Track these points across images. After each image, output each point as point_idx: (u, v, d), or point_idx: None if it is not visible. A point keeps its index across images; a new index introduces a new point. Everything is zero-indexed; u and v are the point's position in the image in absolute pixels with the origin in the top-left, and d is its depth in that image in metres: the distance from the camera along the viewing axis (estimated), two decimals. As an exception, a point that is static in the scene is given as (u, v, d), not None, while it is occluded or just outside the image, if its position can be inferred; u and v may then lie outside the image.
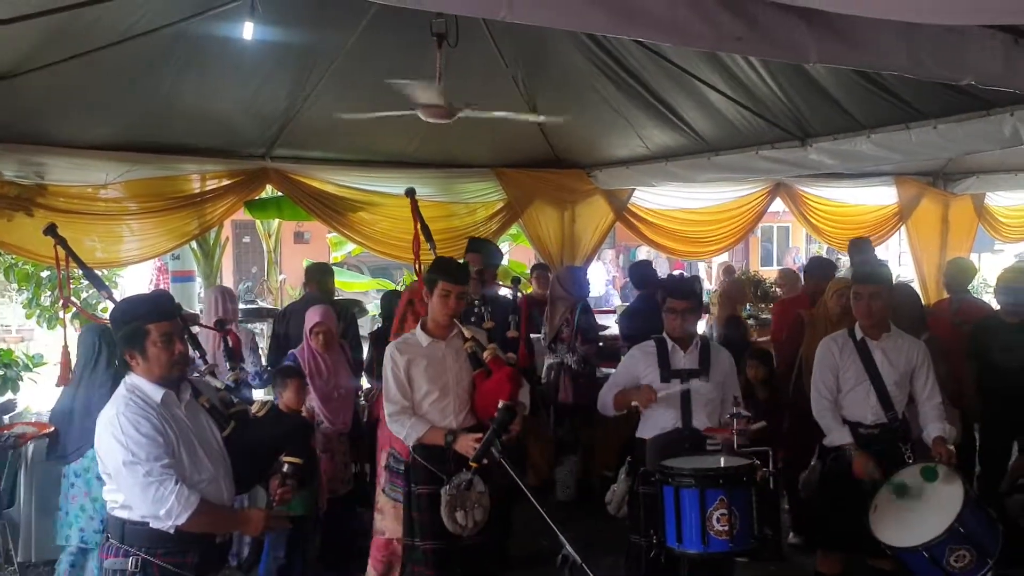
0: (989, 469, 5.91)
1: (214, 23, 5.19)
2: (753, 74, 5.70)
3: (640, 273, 7.59)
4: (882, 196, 9.48)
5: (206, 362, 3.77)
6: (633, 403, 4.43)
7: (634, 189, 8.49)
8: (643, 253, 20.52)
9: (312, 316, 5.42)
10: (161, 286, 13.95)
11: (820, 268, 6.92)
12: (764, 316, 8.63)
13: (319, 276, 6.79)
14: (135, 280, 12.83)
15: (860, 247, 7.77)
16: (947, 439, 4.37)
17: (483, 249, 6.23)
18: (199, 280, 9.21)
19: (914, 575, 4.19)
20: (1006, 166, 9.15)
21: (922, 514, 4.07)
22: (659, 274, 8.18)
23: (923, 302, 8.94)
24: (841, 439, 4.45)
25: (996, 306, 6.23)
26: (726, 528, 3.78)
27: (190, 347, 3.30)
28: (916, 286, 9.85)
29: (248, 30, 5.11)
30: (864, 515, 4.18)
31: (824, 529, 4.64)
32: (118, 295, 7.06)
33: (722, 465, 3.96)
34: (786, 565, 5.71)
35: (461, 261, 4.66)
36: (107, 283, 8.39)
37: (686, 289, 4.57)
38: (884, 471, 4.29)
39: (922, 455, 4.44)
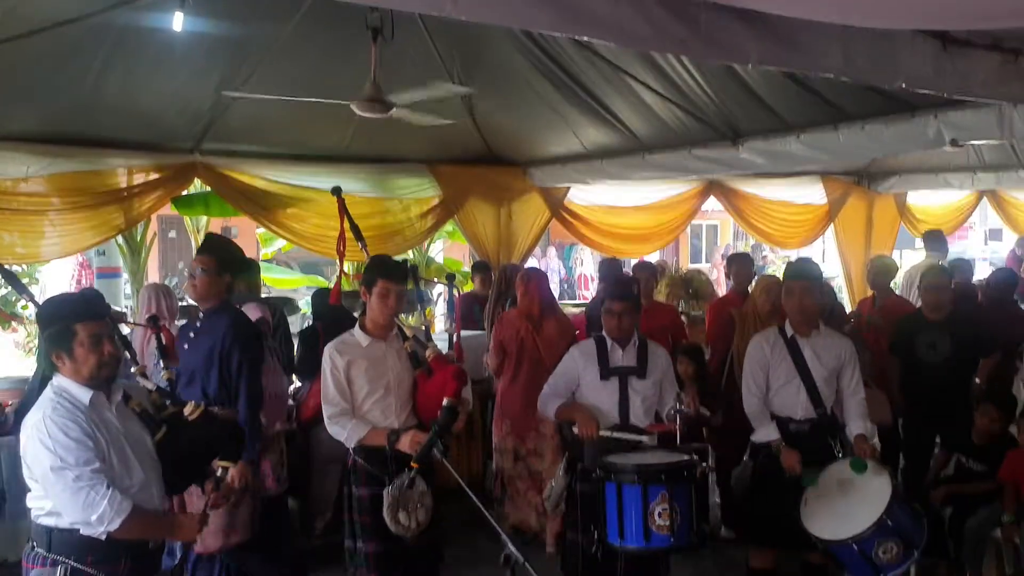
0: (913, 463, 6.08)
1: (142, 13, 5.03)
2: (686, 75, 5.77)
3: (612, 270, 7.71)
4: (811, 194, 9.71)
5: (137, 363, 3.65)
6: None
7: (570, 187, 8.53)
8: (580, 251, 20.68)
9: (251, 314, 5.30)
10: (83, 282, 13.55)
11: (743, 263, 7.07)
12: (694, 313, 8.74)
13: (246, 274, 6.64)
14: (56, 276, 12.44)
15: (934, 240, 7.99)
16: (868, 437, 4.50)
17: (220, 250, 4.75)
18: (125, 276, 8.96)
19: (844, 567, 4.30)
20: (926, 166, 9.46)
21: (851, 508, 4.17)
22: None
23: (848, 299, 9.26)
24: (768, 436, 4.53)
25: (918, 304, 6.43)
26: (667, 523, 3.82)
27: (121, 348, 3.18)
28: (842, 283, 10.14)
29: (178, 21, 4.97)
30: (795, 511, 4.27)
31: (756, 525, 4.71)
32: (39, 291, 6.86)
33: (663, 461, 4.00)
34: (719, 559, 5.81)
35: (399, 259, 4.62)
36: (27, 279, 8.14)
37: (624, 291, 4.60)
38: (806, 469, 4.38)
39: (851, 449, 4.55)
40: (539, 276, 6.23)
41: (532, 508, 5.92)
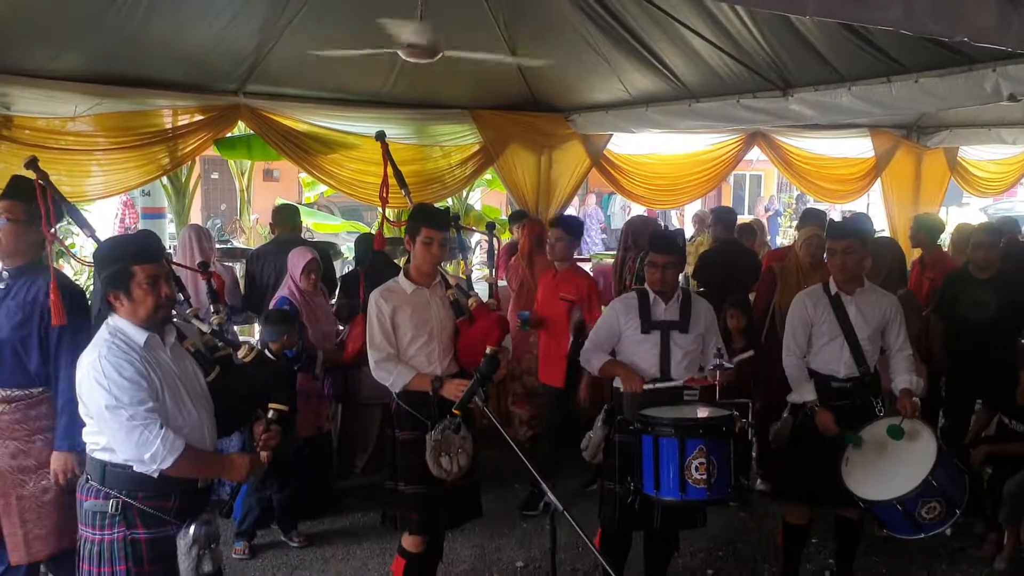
0: (954, 421, 6.04)
1: (189, -48, 5.02)
2: (738, 22, 5.65)
3: (726, 216, 7.83)
4: (858, 147, 9.53)
5: (191, 305, 3.67)
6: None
7: (611, 135, 8.43)
8: (619, 199, 20.48)
9: (303, 255, 5.37)
10: (127, 221, 13.75)
11: (814, 220, 6.96)
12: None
13: (290, 218, 6.73)
14: (101, 215, 12.60)
15: None
16: (914, 391, 4.43)
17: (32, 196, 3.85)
18: (169, 217, 9.06)
19: (883, 524, 4.30)
20: (980, 120, 9.20)
21: (895, 468, 4.15)
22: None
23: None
24: (804, 396, 4.51)
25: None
26: (704, 477, 3.83)
27: (175, 289, 3.21)
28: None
29: (224, -40, 4.95)
30: (835, 468, 4.26)
31: (793, 480, 4.72)
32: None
33: (701, 415, 4.00)
34: (754, 512, 5.85)
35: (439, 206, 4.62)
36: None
37: (668, 243, 4.55)
38: (846, 426, 4.36)
39: (893, 408, 4.52)
40: (532, 222, 7.33)
41: (518, 419, 6.73)
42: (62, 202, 3.99)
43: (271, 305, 5.28)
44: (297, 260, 5.35)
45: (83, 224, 4.04)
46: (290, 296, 5.30)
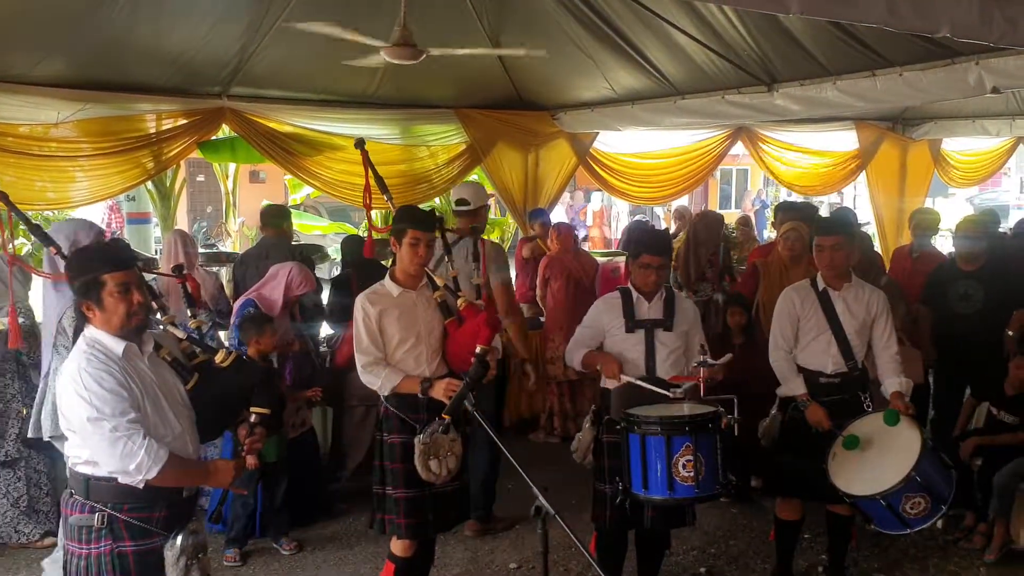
0: (943, 414, 6.06)
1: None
2: (723, 18, 5.66)
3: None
4: (843, 141, 9.55)
5: (164, 312, 3.63)
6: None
7: (598, 133, 8.43)
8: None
9: (302, 281, 5.40)
10: (114, 226, 13.68)
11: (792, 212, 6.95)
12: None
13: (278, 220, 6.68)
14: (86, 220, 12.50)
15: None
16: (904, 393, 4.42)
17: None
18: (155, 221, 9.02)
19: (873, 521, 4.30)
20: (963, 112, 9.26)
21: (880, 463, 4.15)
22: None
23: (880, 247, 9.13)
24: (794, 390, 4.50)
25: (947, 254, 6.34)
26: (692, 474, 3.82)
27: (149, 296, 3.17)
28: (873, 230, 10.01)
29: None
30: (823, 464, 4.26)
31: (783, 477, 4.71)
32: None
33: (687, 413, 3.99)
34: (747, 507, 5.85)
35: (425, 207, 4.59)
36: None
37: (661, 245, 4.53)
38: (836, 422, 4.36)
39: (881, 403, 4.52)
40: (567, 226, 8.02)
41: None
42: (26, 223, 4.01)
43: (235, 310, 5.27)
44: (295, 280, 5.42)
45: (48, 242, 4.06)
46: (258, 300, 5.31)
